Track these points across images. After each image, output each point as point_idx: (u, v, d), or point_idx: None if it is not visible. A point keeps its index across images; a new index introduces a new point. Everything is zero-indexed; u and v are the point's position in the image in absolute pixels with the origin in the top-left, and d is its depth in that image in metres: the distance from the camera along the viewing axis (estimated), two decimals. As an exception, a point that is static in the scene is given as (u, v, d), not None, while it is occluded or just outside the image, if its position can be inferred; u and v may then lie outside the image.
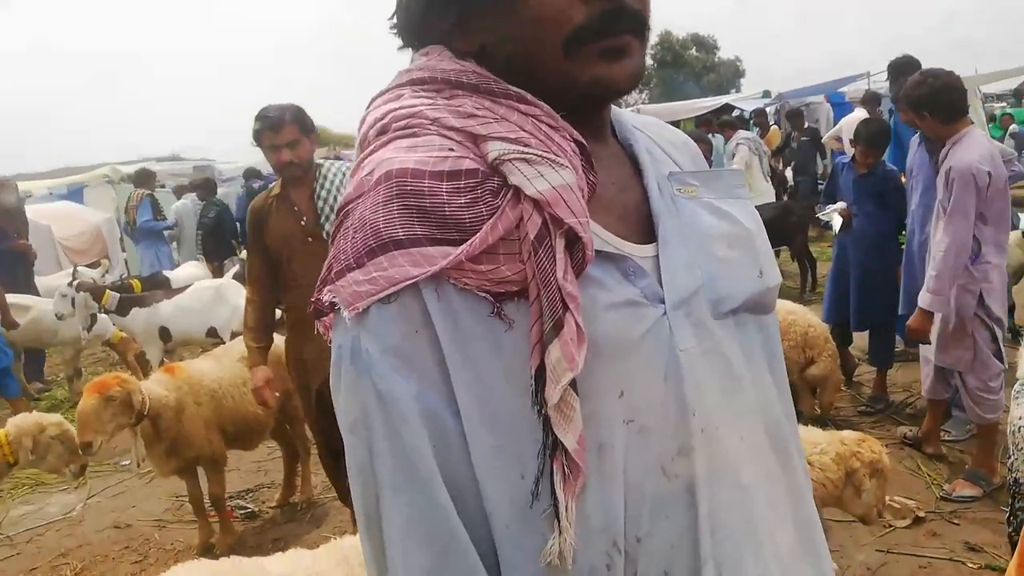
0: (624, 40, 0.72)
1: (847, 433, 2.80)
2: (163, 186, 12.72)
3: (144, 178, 9.50)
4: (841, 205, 4.57)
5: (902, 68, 4.98)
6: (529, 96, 0.71)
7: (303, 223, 2.92)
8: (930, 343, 3.52)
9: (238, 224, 9.22)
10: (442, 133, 0.70)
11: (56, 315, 5.53)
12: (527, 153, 0.68)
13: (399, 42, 0.81)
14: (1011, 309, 5.35)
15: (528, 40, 0.71)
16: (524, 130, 0.69)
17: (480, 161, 0.68)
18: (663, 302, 0.74)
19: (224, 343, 5.00)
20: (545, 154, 0.68)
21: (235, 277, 6.40)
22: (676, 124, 13.88)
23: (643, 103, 33.55)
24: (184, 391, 3.42)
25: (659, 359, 0.72)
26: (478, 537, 0.68)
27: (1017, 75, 15.21)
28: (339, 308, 0.68)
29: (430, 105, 0.72)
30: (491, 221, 0.66)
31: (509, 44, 0.73)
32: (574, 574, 0.68)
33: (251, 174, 11.37)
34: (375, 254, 0.66)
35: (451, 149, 0.69)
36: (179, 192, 10.35)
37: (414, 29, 0.78)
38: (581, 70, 0.71)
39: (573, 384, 0.66)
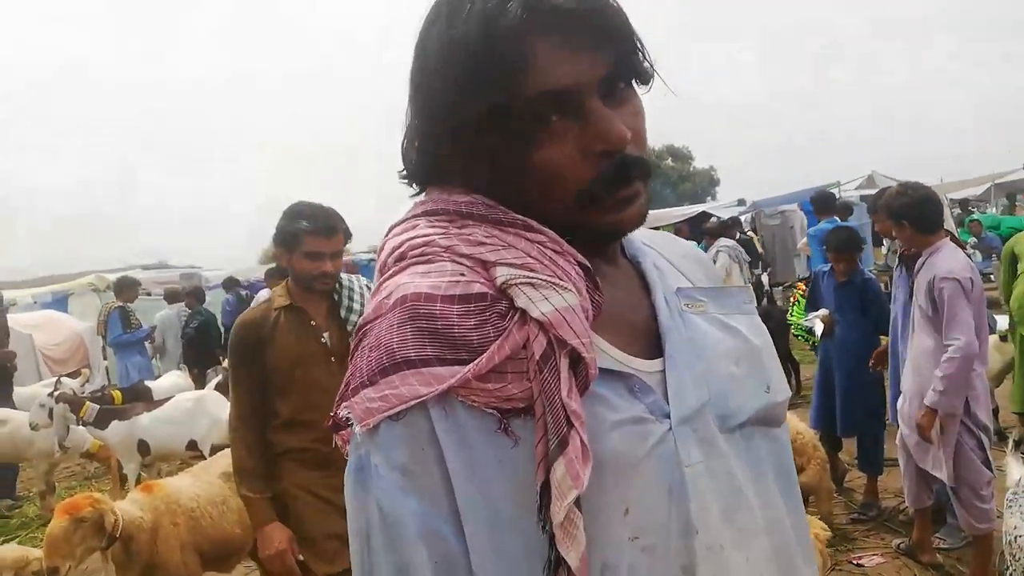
0: (634, 189, 0.77)
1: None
2: (148, 294, 12.72)
3: (122, 288, 9.25)
4: (823, 312, 4.68)
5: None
6: (535, 224, 0.76)
7: (323, 340, 2.53)
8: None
9: (223, 333, 9.18)
10: (454, 259, 0.75)
11: (31, 425, 5.40)
12: (532, 278, 0.72)
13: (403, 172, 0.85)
14: (995, 412, 5.38)
15: (538, 193, 0.77)
16: (530, 256, 0.74)
17: (489, 285, 0.73)
18: (669, 417, 0.76)
19: (204, 457, 4.90)
20: (550, 278, 0.72)
21: (217, 387, 6.33)
22: (655, 230, 14.36)
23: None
24: (161, 511, 3.31)
25: (664, 476, 0.74)
26: None
27: (980, 183, 15.91)
28: (352, 423, 0.71)
29: (442, 234, 0.77)
30: (498, 342, 0.69)
31: (518, 191, 0.77)
32: None
33: (231, 283, 11.36)
34: (388, 373, 0.70)
35: (462, 274, 0.73)
36: (171, 297, 10.28)
37: (428, 174, 0.83)
38: (595, 219, 0.77)
39: (578, 502, 0.67)
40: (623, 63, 0.77)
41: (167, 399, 5.69)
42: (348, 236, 2.62)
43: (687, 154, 46.13)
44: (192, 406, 5.29)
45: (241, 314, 2.69)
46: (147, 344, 9.38)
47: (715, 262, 8.11)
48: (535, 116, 0.74)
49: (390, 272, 0.77)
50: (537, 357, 0.70)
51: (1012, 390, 5.08)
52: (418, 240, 0.77)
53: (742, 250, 8.91)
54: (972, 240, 11.17)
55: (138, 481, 5.15)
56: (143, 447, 5.34)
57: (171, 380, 7.58)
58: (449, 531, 0.69)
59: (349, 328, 2.57)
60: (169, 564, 3.27)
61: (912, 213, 3.58)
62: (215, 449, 4.92)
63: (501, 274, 0.73)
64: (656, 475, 0.74)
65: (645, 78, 0.81)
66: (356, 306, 2.65)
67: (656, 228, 9.68)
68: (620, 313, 0.81)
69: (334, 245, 2.54)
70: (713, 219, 13.60)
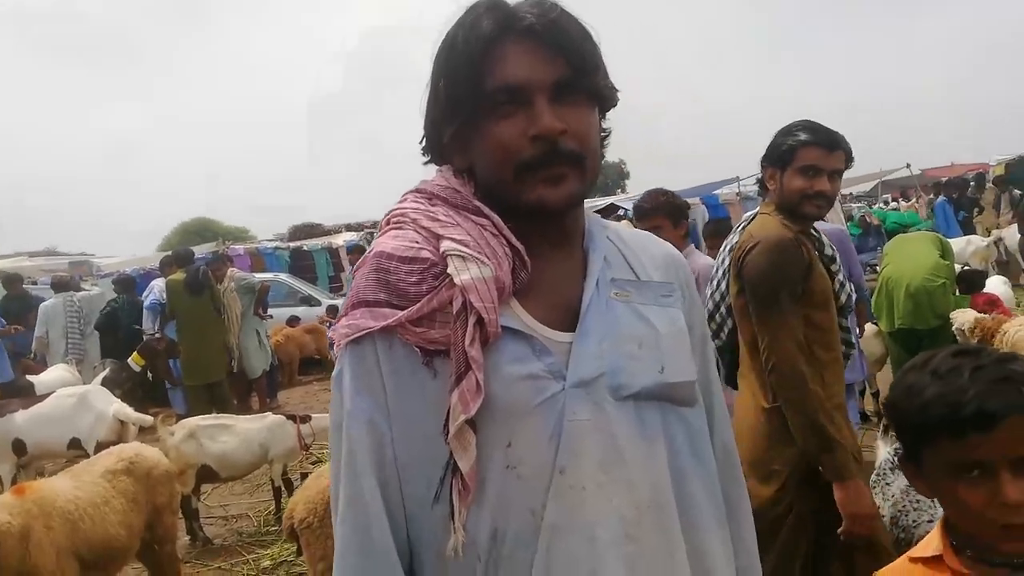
0: (560, 171, 0.97)
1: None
2: (35, 282, 11.92)
3: None
4: None
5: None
6: (485, 209, 0.99)
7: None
8: None
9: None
10: (416, 229, 0.99)
11: None
12: (464, 251, 0.94)
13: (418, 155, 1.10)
14: (875, 395, 5.71)
15: (491, 166, 0.99)
16: (470, 235, 0.96)
17: (435, 253, 0.96)
18: (565, 379, 0.95)
19: (89, 455, 4.62)
20: (476, 254, 0.94)
21: (104, 381, 5.99)
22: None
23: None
24: (33, 514, 3.08)
25: (548, 424, 0.94)
26: (397, 519, 0.97)
27: (870, 179, 16.87)
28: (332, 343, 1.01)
29: (415, 209, 1.01)
30: (428, 296, 0.94)
31: (481, 167, 1.01)
32: (453, 568, 0.94)
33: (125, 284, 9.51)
34: (354, 307, 0.98)
35: (416, 242, 0.98)
36: (58, 287, 9.42)
37: (433, 150, 1.07)
38: (527, 192, 0.97)
39: (473, 424, 0.90)
40: (575, 76, 0.97)
41: (48, 395, 5.34)
42: (850, 159, 2.27)
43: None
44: (74, 402, 4.98)
45: (775, 232, 2.21)
46: (28, 337, 8.72)
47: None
48: (493, 104, 0.96)
49: (380, 232, 1.04)
50: (454, 312, 0.92)
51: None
52: (398, 211, 1.03)
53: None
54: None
55: (14, 482, 4.83)
56: (18, 446, 4.99)
57: (56, 374, 7.15)
58: (384, 424, 0.96)
59: (834, 269, 2.32)
60: (42, 570, 3.05)
61: None
62: (100, 447, 4.64)
63: (444, 246, 0.95)
64: (541, 422, 0.94)
65: (599, 96, 1.02)
66: (834, 247, 2.40)
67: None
68: (550, 290, 1.00)
69: (834, 162, 2.21)
70: (620, 211, 13.93)
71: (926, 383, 1.07)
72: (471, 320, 0.91)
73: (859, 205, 16.91)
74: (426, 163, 1.09)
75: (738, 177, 12.55)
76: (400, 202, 1.05)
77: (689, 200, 12.51)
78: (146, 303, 7.89)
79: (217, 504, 5.47)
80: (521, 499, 0.93)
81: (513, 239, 0.98)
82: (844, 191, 16.98)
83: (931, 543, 1.13)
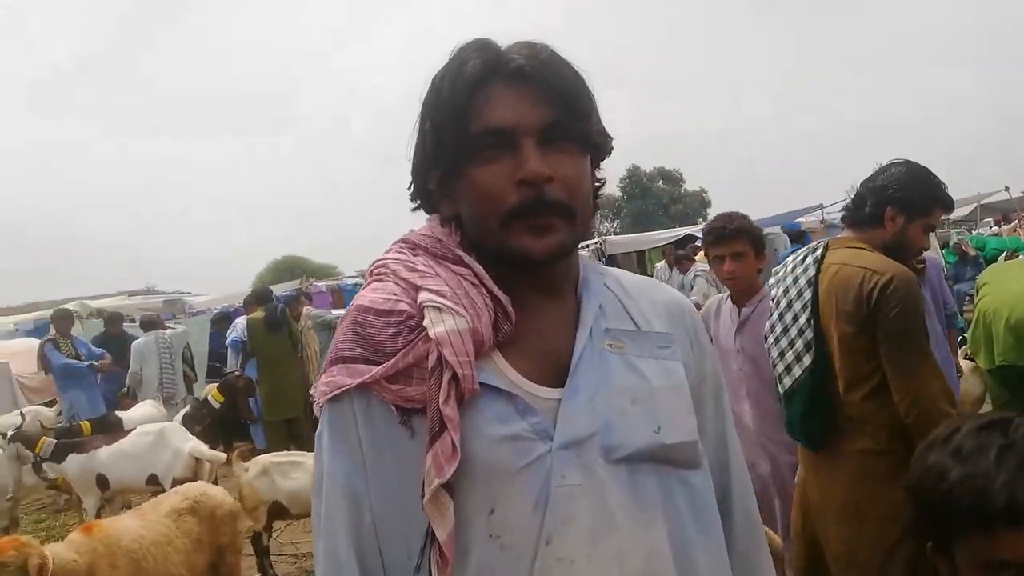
0: (547, 221, 0.91)
1: None
2: (133, 321, 12.56)
3: (55, 320, 8.54)
4: None
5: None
6: (466, 258, 0.95)
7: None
8: None
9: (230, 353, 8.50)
10: (396, 281, 0.95)
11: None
12: (440, 303, 0.89)
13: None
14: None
15: (476, 213, 0.94)
16: (448, 285, 0.92)
17: (413, 305, 0.92)
18: (553, 440, 0.88)
19: (166, 491, 4.75)
20: (453, 305, 0.89)
21: (185, 418, 6.18)
22: (641, 254, 14.34)
23: (615, 232, 34.62)
24: (99, 553, 3.17)
25: (533, 489, 0.87)
26: None
27: (968, 203, 15.94)
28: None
29: (396, 260, 0.98)
30: (403, 351, 0.89)
31: (467, 215, 0.96)
32: None
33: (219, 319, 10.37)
34: (332, 364, 0.94)
35: (394, 294, 0.94)
36: (147, 325, 9.94)
37: (420, 197, 1.03)
38: (511, 240, 0.92)
39: (450, 489, 0.84)
40: (565, 121, 0.93)
41: (131, 431, 5.55)
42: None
43: (678, 177, 46.42)
44: (152, 439, 5.14)
45: (902, 268, 2.24)
46: (125, 375, 9.12)
47: (693, 287, 8.03)
48: (478, 148, 0.92)
49: (365, 284, 1.01)
50: (429, 367, 0.87)
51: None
52: (380, 262, 1.00)
53: (722, 273, 8.79)
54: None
55: (98, 515, 5.01)
56: (101, 481, 5.19)
57: (143, 410, 7.42)
58: (363, 486, 0.91)
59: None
60: (107, 609, 3.12)
61: None
62: (177, 483, 4.77)
63: (421, 297, 0.91)
64: (526, 487, 0.87)
65: (590, 143, 0.97)
66: None
67: (643, 251, 9.65)
68: (538, 342, 0.94)
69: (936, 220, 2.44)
70: (697, 242, 13.61)
71: (948, 465, 0.93)
72: (446, 376, 0.86)
73: (958, 231, 15.98)
74: (414, 210, 1.05)
75: (822, 204, 12.06)
76: (385, 253, 1.02)
77: (769, 229, 12.26)
78: (228, 340, 8.17)
79: (289, 542, 5.52)
80: (504, 572, 0.87)
81: (495, 289, 0.93)
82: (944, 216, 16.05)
83: None
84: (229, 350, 8.11)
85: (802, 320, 2.38)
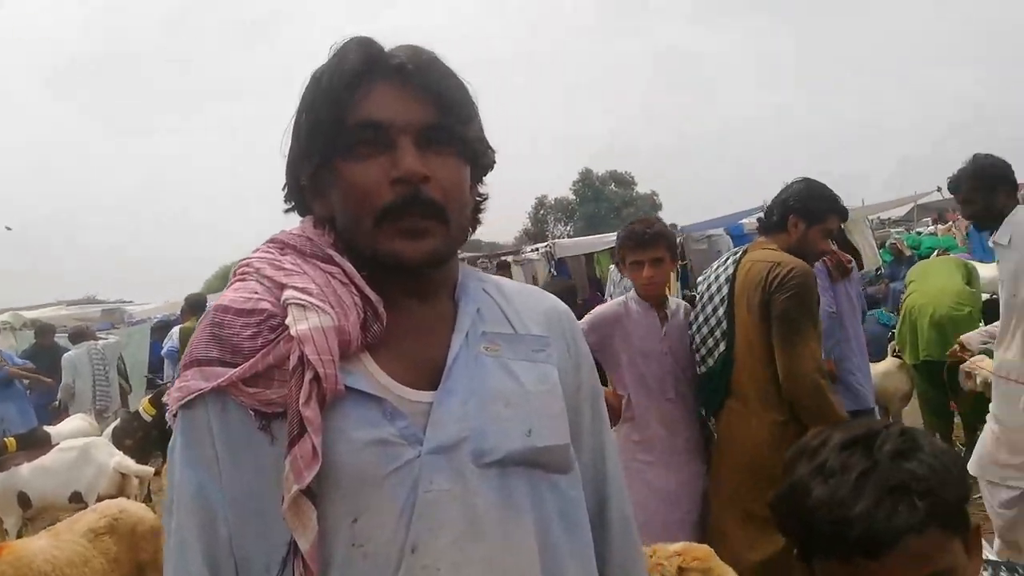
0: (421, 224, 0.89)
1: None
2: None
3: None
4: None
5: None
6: (336, 257, 0.91)
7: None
8: None
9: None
10: (259, 280, 0.91)
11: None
12: (304, 300, 0.85)
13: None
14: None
15: (348, 212, 0.91)
16: (315, 283, 0.87)
17: (276, 304, 0.87)
18: (422, 444, 0.85)
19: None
20: (318, 302, 0.85)
21: (114, 432, 5.98)
22: (590, 256, 14.42)
23: (568, 235, 34.80)
24: (7, 575, 3.03)
25: (399, 496, 0.84)
26: None
27: (905, 203, 16.42)
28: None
29: (261, 258, 0.93)
30: (263, 351, 0.85)
31: (340, 214, 0.92)
32: None
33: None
34: (186, 368, 0.89)
35: (256, 292, 0.89)
36: (75, 337, 9.58)
37: (293, 197, 1.00)
38: (383, 243, 0.89)
39: (313, 496, 0.80)
40: (445, 123, 0.91)
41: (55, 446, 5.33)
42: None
43: (630, 180, 46.94)
44: (76, 455, 4.94)
45: (802, 264, 2.66)
46: (58, 388, 8.77)
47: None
48: (353, 143, 0.89)
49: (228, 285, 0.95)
50: (290, 368, 0.83)
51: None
52: (244, 262, 0.95)
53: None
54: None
55: (19, 535, 4.80)
56: (23, 499, 4.97)
57: (74, 424, 7.16)
58: (217, 498, 0.86)
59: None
60: (14, 635, 2.98)
61: None
62: (102, 499, 4.60)
63: (285, 295, 0.87)
64: (392, 494, 0.84)
65: (471, 150, 0.95)
66: None
67: (592, 254, 9.65)
68: (412, 345, 0.91)
69: (837, 230, 2.92)
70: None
71: (811, 484, 0.90)
72: (307, 376, 0.82)
73: (897, 230, 16.46)
74: (287, 211, 1.02)
75: (765, 201, 12.30)
76: (253, 252, 0.97)
77: (713, 231, 12.48)
78: (164, 350, 7.94)
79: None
80: None
81: (365, 288, 0.89)
82: (882, 216, 16.51)
83: None
84: (165, 360, 7.88)
85: (720, 312, 2.79)
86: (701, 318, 2.89)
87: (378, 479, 0.84)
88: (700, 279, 3.06)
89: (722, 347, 2.76)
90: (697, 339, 2.88)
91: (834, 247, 2.84)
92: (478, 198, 1.03)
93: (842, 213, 2.84)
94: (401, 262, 0.89)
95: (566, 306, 1.08)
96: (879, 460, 0.87)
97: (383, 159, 0.89)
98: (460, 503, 0.85)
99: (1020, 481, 3.13)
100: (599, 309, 3.10)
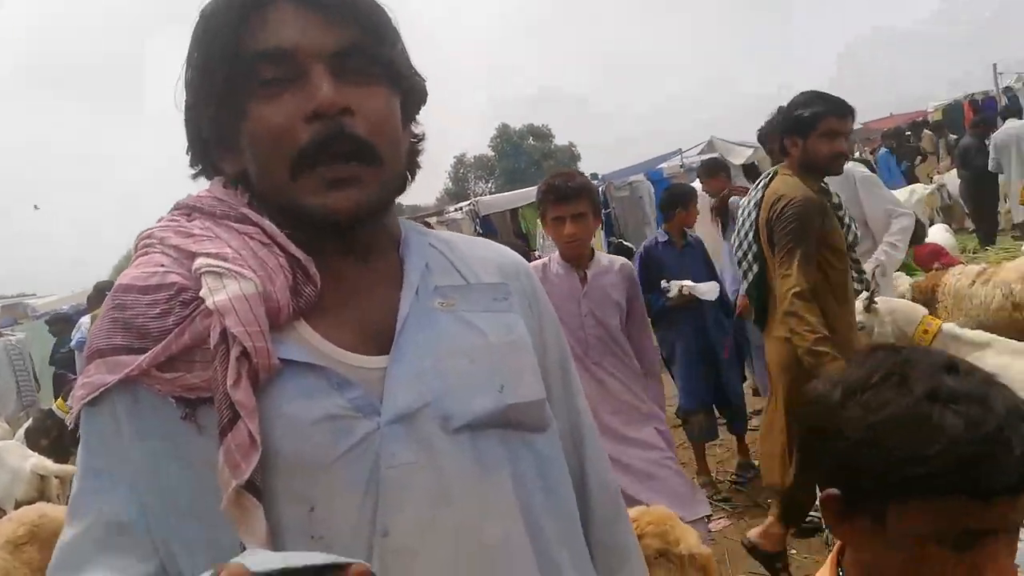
0: (350, 171, 0.76)
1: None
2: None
3: None
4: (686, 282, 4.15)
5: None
6: (253, 216, 0.78)
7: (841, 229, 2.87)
8: None
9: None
10: (163, 251, 0.78)
11: None
12: (219, 267, 0.74)
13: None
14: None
15: (261, 163, 0.79)
16: (229, 246, 0.76)
17: (187, 275, 0.75)
18: (380, 415, 0.75)
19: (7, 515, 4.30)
20: (237, 268, 0.74)
21: (28, 432, 5.62)
22: (515, 212, 14.35)
23: (490, 192, 34.64)
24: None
25: (360, 476, 0.73)
26: None
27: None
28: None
29: (165, 227, 0.81)
30: (177, 330, 0.73)
31: (252, 168, 0.80)
32: None
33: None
34: (88, 362, 0.78)
35: (162, 265, 0.77)
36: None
37: (197, 156, 0.86)
38: (307, 196, 0.77)
39: (255, 489, 0.70)
40: (364, 47, 0.78)
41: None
42: (853, 118, 2.83)
43: (547, 132, 46.91)
44: (-14, 460, 4.63)
45: (800, 191, 2.76)
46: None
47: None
48: (258, 81, 0.76)
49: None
50: (212, 346, 0.72)
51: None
52: (144, 234, 0.82)
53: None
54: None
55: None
56: (-67, 514, 4.63)
57: (-15, 429, 6.73)
58: (130, 508, 0.75)
59: (840, 214, 2.87)
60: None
61: None
62: (21, 505, 4.33)
63: (197, 264, 0.75)
64: (351, 474, 0.73)
65: (398, 76, 0.82)
66: (838, 193, 2.95)
67: (517, 208, 9.63)
68: (354, 307, 0.81)
69: (847, 126, 2.78)
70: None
71: (933, 418, 0.77)
72: (233, 352, 0.71)
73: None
74: (194, 177, 0.88)
75: (680, 149, 12.47)
76: (155, 224, 0.84)
77: (634, 177, 12.59)
78: (73, 342, 7.50)
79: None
80: None
81: (290, 247, 0.77)
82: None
83: None
84: (76, 353, 7.44)
85: (751, 236, 2.97)
86: (737, 241, 3.07)
87: (332, 460, 0.73)
88: (743, 200, 3.21)
89: (755, 268, 2.97)
90: (739, 256, 3.08)
91: (844, 144, 2.74)
92: (413, 138, 0.90)
93: (832, 106, 2.74)
94: (329, 216, 0.78)
95: (525, 261, 0.99)
96: (999, 391, 0.79)
97: (293, 94, 0.76)
98: (430, 475, 0.76)
99: None
100: None
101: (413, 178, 0.91)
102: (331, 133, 0.75)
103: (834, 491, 0.87)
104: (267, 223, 0.78)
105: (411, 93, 0.86)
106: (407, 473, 0.74)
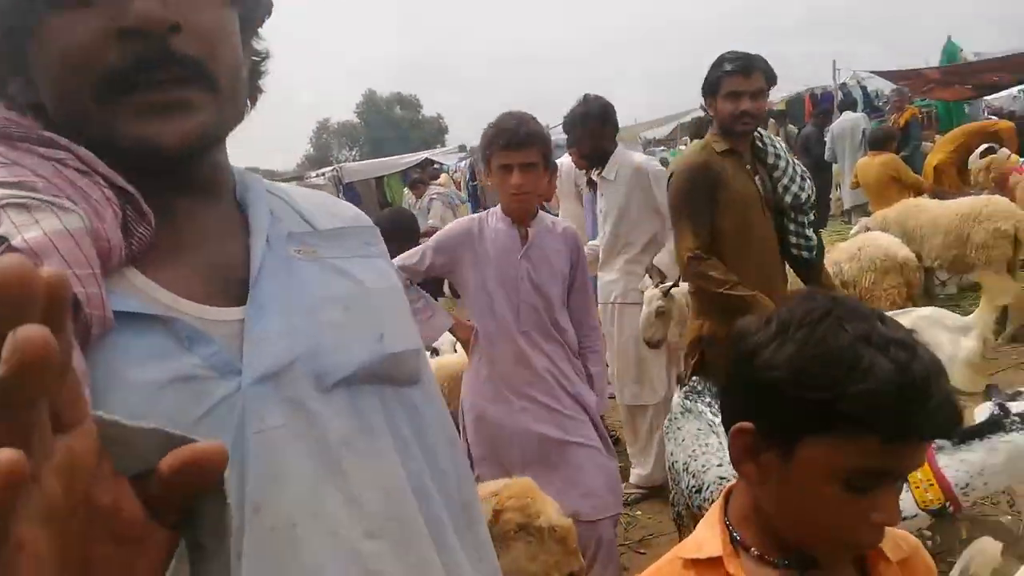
0: (178, 94, 0.65)
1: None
2: None
3: None
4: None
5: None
6: (61, 140, 0.64)
7: (756, 184, 2.79)
8: None
9: None
10: None
11: None
12: (25, 198, 0.60)
13: None
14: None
15: (60, 88, 0.66)
16: (37, 174, 0.62)
17: None
18: (240, 375, 0.65)
19: None
20: (52, 198, 0.60)
21: None
22: (380, 180, 14.06)
23: (354, 159, 33.70)
24: None
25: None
26: None
27: (669, 122, 17.70)
28: None
29: None
30: None
31: (49, 96, 0.67)
32: None
33: None
34: None
35: None
36: None
37: None
38: (121, 125, 0.64)
39: None
40: None
41: None
42: (771, 78, 2.72)
43: (416, 103, 46.24)
44: None
45: (684, 161, 2.85)
46: None
47: (429, 211, 7.99)
48: None
49: None
50: None
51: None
52: None
53: (456, 193, 8.91)
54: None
55: None
56: None
57: None
58: None
59: (776, 175, 2.81)
60: None
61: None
62: None
63: None
64: None
65: None
66: (782, 153, 2.85)
67: (382, 177, 9.41)
68: (195, 254, 0.69)
69: (753, 84, 2.65)
70: (435, 166, 13.64)
71: (864, 359, 0.78)
72: None
73: (660, 149, 17.74)
74: None
75: (548, 124, 12.66)
76: None
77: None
78: None
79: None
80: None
81: (117, 177, 0.64)
82: (647, 135, 17.67)
83: (707, 543, 0.92)
84: None
85: None
86: None
87: (186, 428, 0.58)
88: None
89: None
90: None
91: (748, 104, 2.64)
92: (255, 57, 0.79)
93: (734, 66, 2.66)
94: (151, 148, 0.65)
95: (367, 217, 0.91)
96: (917, 341, 0.81)
97: (101, 4, 0.63)
98: (305, 440, 0.66)
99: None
100: (449, 226, 2.71)
101: (254, 104, 0.79)
102: (152, 54, 0.63)
103: (748, 424, 0.87)
104: (81, 149, 0.64)
105: (250, 4, 0.74)
106: (277, 439, 0.65)
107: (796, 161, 2.89)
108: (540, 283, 2.48)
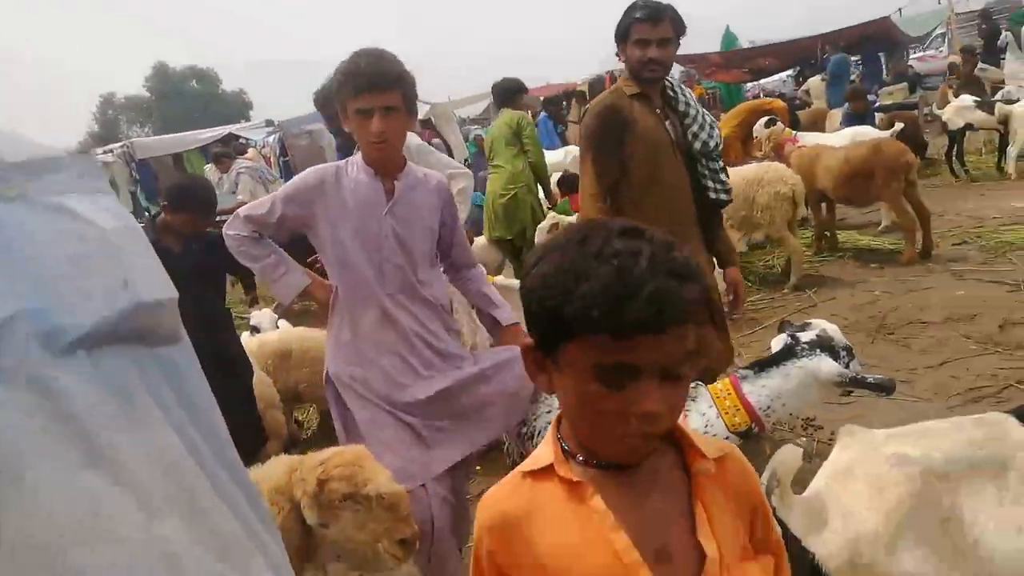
0: None
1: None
2: None
3: None
4: None
5: None
6: None
7: (667, 129, 2.81)
8: None
9: None
10: None
11: None
12: None
13: None
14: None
15: None
16: None
17: None
18: None
19: None
20: None
21: None
22: (179, 157, 13.02)
23: (146, 135, 30.91)
24: None
25: None
26: None
27: (481, 100, 17.94)
28: None
29: None
30: None
31: None
32: None
33: None
34: None
35: None
36: None
37: None
38: None
39: None
40: None
41: None
42: (680, 28, 2.74)
43: (214, 76, 43.25)
44: None
45: (597, 102, 2.89)
46: None
47: (237, 185, 7.52)
48: None
49: None
50: None
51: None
52: None
53: (267, 168, 8.47)
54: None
55: None
56: None
57: None
58: None
59: (687, 123, 2.85)
60: None
61: None
62: None
63: None
64: None
65: None
66: (691, 102, 2.89)
67: (181, 154, 8.73)
68: None
69: (660, 32, 2.68)
70: (240, 140, 12.84)
71: (590, 268, 0.89)
72: None
73: (475, 127, 18.00)
74: None
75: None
76: None
77: (312, 126, 12.14)
78: None
79: None
80: None
81: None
82: (462, 114, 17.79)
83: (542, 456, 1.03)
84: None
85: None
86: None
87: None
88: None
89: None
90: None
91: (656, 52, 2.70)
92: None
93: (641, 13, 2.71)
94: None
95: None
96: (658, 251, 0.89)
97: None
98: (39, 417, 0.54)
99: None
100: (302, 174, 2.38)
101: None
102: None
103: (529, 340, 0.98)
104: None
105: None
106: (4, 420, 0.52)
107: (705, 111, 2.98)
108: (406, 240, 2.26)
